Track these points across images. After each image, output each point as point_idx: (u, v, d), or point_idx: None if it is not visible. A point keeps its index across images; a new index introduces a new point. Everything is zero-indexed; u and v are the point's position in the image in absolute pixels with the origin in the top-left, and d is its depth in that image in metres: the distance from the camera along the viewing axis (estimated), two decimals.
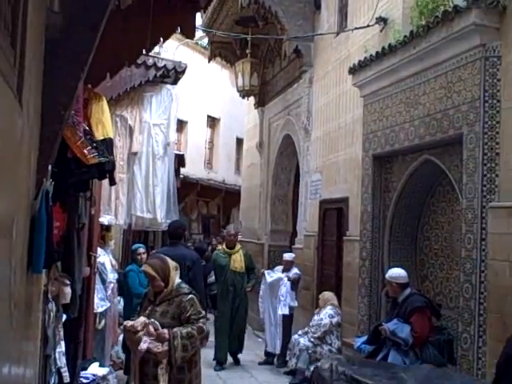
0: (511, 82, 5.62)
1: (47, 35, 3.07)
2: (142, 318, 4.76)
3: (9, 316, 2.51)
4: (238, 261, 9.49)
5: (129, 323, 4.79)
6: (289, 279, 9.60)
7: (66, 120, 3.14)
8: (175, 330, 4.68)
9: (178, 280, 4.98)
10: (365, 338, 6.96)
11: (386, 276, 6.79)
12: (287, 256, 10.15)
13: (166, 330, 4.66)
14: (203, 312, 5.00)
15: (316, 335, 8.22)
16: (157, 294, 4.89)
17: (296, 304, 9.70)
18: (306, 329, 8.50)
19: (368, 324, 7.74)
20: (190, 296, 4.89)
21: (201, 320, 4.82)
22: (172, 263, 5.01)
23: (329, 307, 8.40)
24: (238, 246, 9.76)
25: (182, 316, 4.79)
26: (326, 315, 8.29)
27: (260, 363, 9.82)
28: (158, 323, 4.70)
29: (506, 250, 5.44)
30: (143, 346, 4.61)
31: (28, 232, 2.89)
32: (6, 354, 2.51)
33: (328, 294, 8.69)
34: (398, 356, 6.15)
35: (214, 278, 10.94)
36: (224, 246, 9.79)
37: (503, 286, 5.44)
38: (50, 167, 3.20)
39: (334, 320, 8.27)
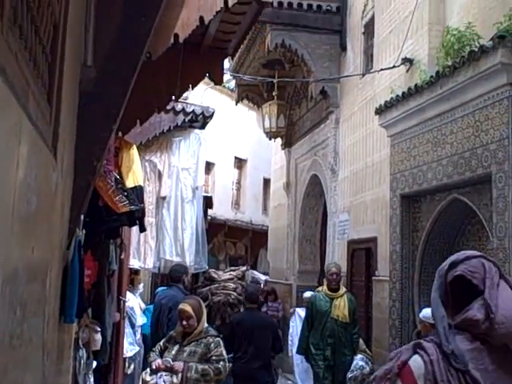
0: None
1: (81, 89, 3.15)
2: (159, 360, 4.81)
3: (41, 366, 2.53)
4: (341, 307, 7.75)
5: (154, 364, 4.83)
6: None
7: (98, 170, 3.20)
8: (191, 363, 4.70)
9: (205, 323, 5.02)
10: None
11: (420, 315, 6.68)
12: (307, 294, 9.96)
13: (181, 363, 4.69)
14: (226, 356, 5.02)
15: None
16: (185, 334, 4.91)
17: None
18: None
19: None
20: (218, 339, 4.98)
21: (221, 362, 4.85)
22: (203, 306, 5.07)
23: (359, 356, 7.73)
24: (343, 290, 8.05)
25: (205, 356, 4.82)
26: (356, 366, 7.61)
27: None
28: (170, 360, 4.75)
29: None
30: (159, 380, 4.65)
31: (60, 281, 2.94)
32: None
33: None
34: None
35: None
36: (325, 288, 8.01)
37: None
38: (82, 217, 3.26)
39: (366, 370, 7.57)
